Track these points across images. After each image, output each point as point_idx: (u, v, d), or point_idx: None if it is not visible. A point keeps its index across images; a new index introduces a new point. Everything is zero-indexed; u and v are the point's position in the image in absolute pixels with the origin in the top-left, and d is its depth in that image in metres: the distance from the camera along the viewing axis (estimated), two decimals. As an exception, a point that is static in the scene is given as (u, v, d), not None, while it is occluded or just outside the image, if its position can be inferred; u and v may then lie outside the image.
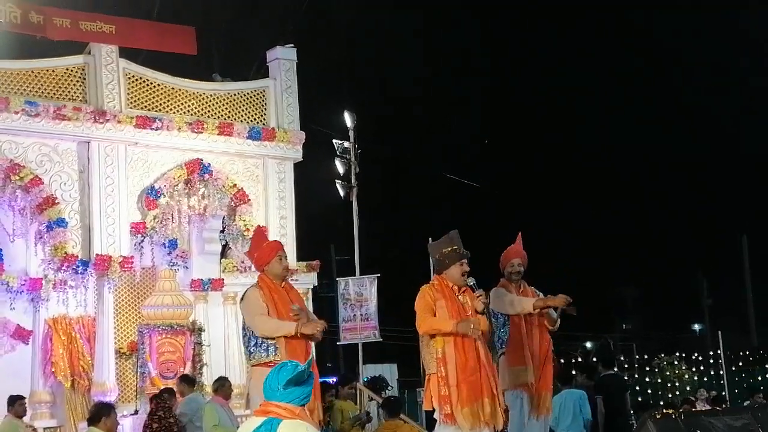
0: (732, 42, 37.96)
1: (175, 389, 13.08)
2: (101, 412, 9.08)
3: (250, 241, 9.70)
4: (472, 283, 8.51)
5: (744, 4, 35.18)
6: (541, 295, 9.70)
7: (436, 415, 8.35)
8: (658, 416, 7.68)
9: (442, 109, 38.29)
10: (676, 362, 26.47)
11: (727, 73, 39.46)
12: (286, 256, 8.60)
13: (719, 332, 24.05)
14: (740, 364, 26.99)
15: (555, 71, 41.14)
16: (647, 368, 26.59)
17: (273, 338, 8.05)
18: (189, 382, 12.94)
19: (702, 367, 26.59)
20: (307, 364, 5.21)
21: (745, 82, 38.00)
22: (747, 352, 27.79)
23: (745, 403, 18.04)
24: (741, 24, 36.43)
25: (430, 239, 19.67)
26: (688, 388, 24.69)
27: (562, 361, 23.19)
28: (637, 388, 25.33)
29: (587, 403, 12.98)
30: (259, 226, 11.46)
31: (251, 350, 8.18)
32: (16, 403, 12.52)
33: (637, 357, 28.98)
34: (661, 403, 21.77)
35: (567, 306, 9.39)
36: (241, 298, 8.47)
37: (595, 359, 24.60)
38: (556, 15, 40.35)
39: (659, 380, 25.92)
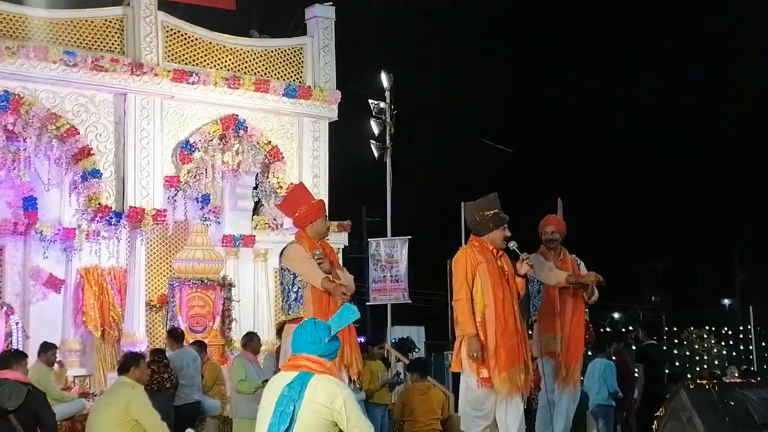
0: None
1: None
2: (130, 362, 9.10)
3: (289, 196, 9.66)
4: (515, 247, 8.50)
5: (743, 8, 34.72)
6: (582, 264, 9.67)
7: (465, 377, 8.34)
8: (691, 386, 7.60)
9: (484, 71, 38.05)
10: (705, 336, 26.35)
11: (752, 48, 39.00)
12: (327, 217, 8.63)
13: (750, 307, 23.89)
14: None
15: (588, 37, 40.77)
16: (676, 341, 26.49)
17: (307, 281, 8.09)
18: (176, 337, 12.84)
19: (731, 342, 26.44)
20: (345, 311, 5.24)
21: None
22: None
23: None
24: (741, 26, 36.03)
25: (462, 203, 19.69)
26: (716, 362, 24.60)
27: (602, 330, 23.10)
28: (665, 360, 25.21)
29: (612, 374, 12.94)
30: (300, 182, 11.41)
31: (290, 304, 8.22)
32: (48, 351, 12.61)
33: (666, 329, 28.83)
34: (689, 376, 21.68)
35: (597, 282, 9.36)
36: (281, 252, 8.48)
37: (631, 328, 24.58)
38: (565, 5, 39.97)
39: (687, 353, 25.84)
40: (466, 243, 18.75)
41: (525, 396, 8.45)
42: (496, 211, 8.48)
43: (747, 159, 40.41)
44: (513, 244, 8.53)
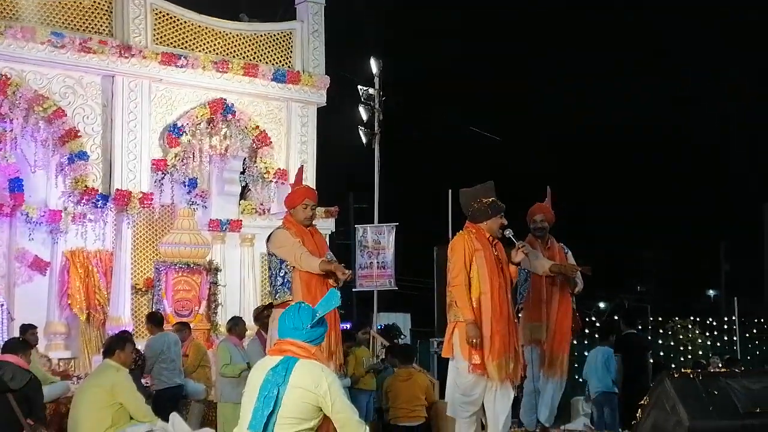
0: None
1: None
2: (115, 345, 9.10)
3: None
4: (511, 235, 8.54)
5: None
6: (569, 252, 9.69)
7: (455, 363, 8.35)
8: (675, 375, 7.64)
9: (474, 59, 38.04)
10: (689, 326, 26.44)
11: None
12: (314, 206, 8.60)
13: (735, 298, 23.98)
14: (754, 331, 26.93)
15: (579, 26, 40.79)
16: (661, 330, 26.57)
17: (296, 266, 8.09)
18: (155, 321, 12.81)
19: (715, 332, 26.53)
20: (331, 297, 5.22)
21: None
22: (762, 320, 27.71)
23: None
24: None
25: (450, 191, 19.69)
26: (700, 352, 24.66)
27: (587, 319, 23.17)
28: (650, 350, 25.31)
29: (614, 362, 12.96)
30: (301, 166, 11.41)
31: (277, 289, 8.22)
32: (27, 332, 12.58)
33: (651, 319, 28.90)
34: (673, 365, 21.76)
35: (573, 274, 9.39)
36: (268, 238, 8.49)
37: (616, 318, 24.57)
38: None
39: (672, 343, 25.91)
40: (453, 231, 18.73)
41: (515, 384, 8.48)
42: (494, 198, 8.50)
43: (733, 150, 40.54)
44: (509, 232, 8.57)
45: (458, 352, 8.28)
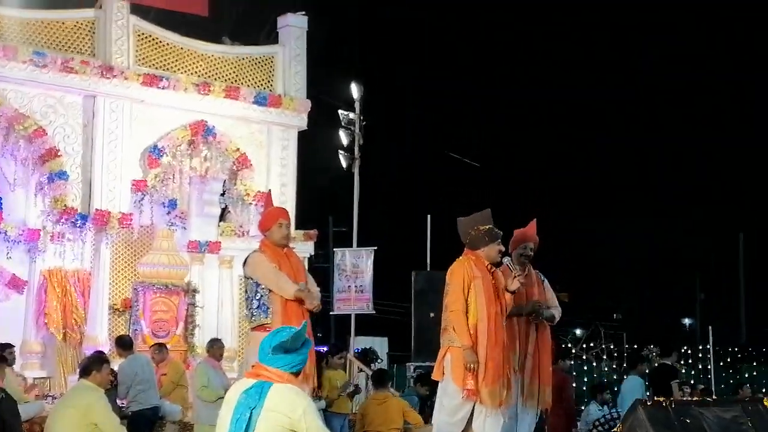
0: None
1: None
2: (92, 366, 9.05)
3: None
4: (508, 262, 8.66)
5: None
6: (546, 281, 9.76)
7: (444, 385, 8.42)
8: (648, 403, 7.72)
9: (450, 87, 38.21)
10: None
11: (726, 70, 39.49)
12: (288, 225, 8.64)
13: (710, 327, 24.09)
14: (728, 360, 27.10)
15: (557, 55, 41.08)
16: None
17: (271, 290, 8.15)
18: (124, 345, 12.77)
19: (690, 361, 26.66)
20: (302, 328, 5.24)
21: (746, 80, 38.05)
22: (736, 349, 27.89)
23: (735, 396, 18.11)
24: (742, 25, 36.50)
25: (428, 216, 19.77)
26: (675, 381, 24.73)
27: (563, 345, 23.30)
28: (625, 377, 25.36)
29: (644, 390, 13.02)
30: (269, 191, 11.51)
31: (253, 312, 8.26)
32: (5, 350, 12.52)
33: (627, 347, 29.02)
34: (647, 393, 21.80)
35: (533, 315, 9.43)
36: (244, 262, 8.54)
37: (592, 345, 24.75)
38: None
39: (647, 371, 25.95)
40: (431, 255, 18.81)
41: (506, 411, 8.55)
42: (491, 226, 8.62)
43: (712, 183, 40.82)
44: (507, 260, 8.71)
45: (449, 376, 8.36)
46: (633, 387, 12.97)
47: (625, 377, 13.54)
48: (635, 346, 27.98)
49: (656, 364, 13.55)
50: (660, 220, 41.50)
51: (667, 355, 13.55)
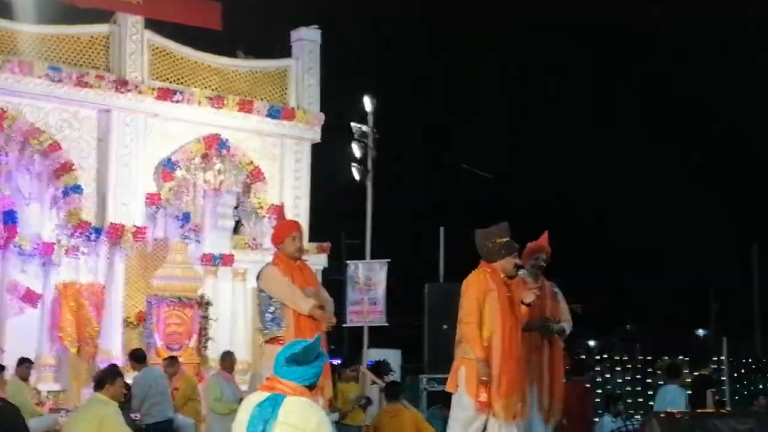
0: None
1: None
2: (105, 379, 9.09)
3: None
4: (524, 275, 8.71)
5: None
6: (560, 293, 9.78)
7: (458, 398, 8.44)
8: (662, 415, 7.72)
9: (467, 97, 38.26)
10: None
11: (737, 76, 39.38)
12: (301, 237, 8.67)
13: (724, 338, 23.98)
14: (742, 371, 26.99)
15: (572, 65, 41.07)
16: (649, 370, 26.58)
17: (286, 304, 8.18)
18: (137, 358, 12.80)
19: (705, 373, 26.56)
20: (315, 341, 5.26)
21: (757, 89, 37.99)
22: (750, 360, 27.77)
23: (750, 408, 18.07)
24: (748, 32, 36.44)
25: (441, 229, 19.76)
26: (688, 392, 24.66)
27: (576, 357, 23.26)
28: (638, 388, 25.35)
29: (683, 400, 13.02)
30: (282, 204, 11.56)
31: (267, 325, 8.28)
32: (23, 365, 12.61)
33: (640, 358, 28.95)
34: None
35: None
36: (258, 275, 8.57)
37: (606, 356, 24.74)
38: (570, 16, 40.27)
39: (660, 382, 25.87)
40: (444, 268, 18.79)
41: (520, 424, 8.56)
42: (508, 239, 8.64)
43: (726, 193, 40.69)
44: (522, 272, 8.73)
45: (463, 388, 8.37)
46: (674, 396, 12.96)
47: (660, 386, 13.53)
48: (665, 357, 27.94)
49: (697, 373, 13.60)
50: (674, 230, 41.40)
51: (703, 366, 13.63)
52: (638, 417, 16.19)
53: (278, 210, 9.57)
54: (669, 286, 41.59)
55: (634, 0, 37.99)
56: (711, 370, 13.64)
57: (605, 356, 28.39)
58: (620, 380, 25.46)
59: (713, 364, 25.48)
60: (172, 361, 13.51)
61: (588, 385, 14.40)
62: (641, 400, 23.74)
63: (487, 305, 8.40)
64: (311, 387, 5.25)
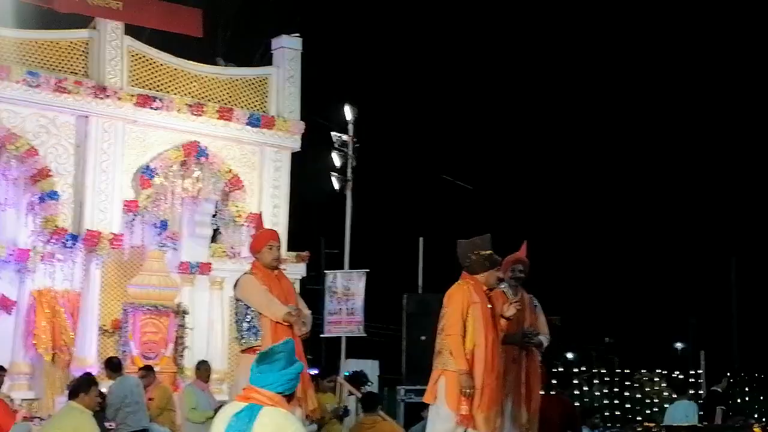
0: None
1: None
2: (80, 388, 9.03)
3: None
4: (505, 288, 8.66)
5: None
6: (539, 306, 9.75)
7: (437, 409, 8.38)
8: (639, 429, 7.70)
9: (447, 108, 38.30)
10: (656, 378, 26.51)
11: (718, 91, 39.64)
12: (278, 247, 8.62)
13: (701, 351, 24.08)
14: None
15: (552, 82, 41.22)
16: (627, 383, 26.64)
17: (261, 312, 8.11)
18: (113, 366, 12.69)
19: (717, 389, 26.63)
20: (285, 343, 5.22)
21: (739, 102, 38.25)
22: (728, 373, 27.80)
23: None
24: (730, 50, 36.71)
25: (421, 239, 19.74)
26: (666, 405, 24.70)
27: (554, 370, 23.28)
28: (616, 401, 25.37)
29: (695, 414, 13.00)
30: (260, 213, 11.49)
31: (243, 335, 8.22)
32: (-5, 373, 12.47)
33: (618, 371, 29.00)
34: (639, 418, 21.79)
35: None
36: (235, 284, 8.51)
37: (584, 369, 24.75)
38: (549, 20, 40.46)
39: (638, 395, 25.96)
40: (423, 279, 18.71)
41: None
42: (491, 252, 8.61)
43: (705, 206, 40.89)
44: (504, 286, 8.69)
45: (442, 400, 8.32)
46: (686, 410, 12.95)
47: (672, 402, 13.56)
48: (627, 370, 28.01)
49: (710, 389, 13.68)
50: (653, 243, 41.55)
51: (717, 381, 13.67)
52: (615, 430, 16.16)
53: (256, 219, 9.53)
54: (647, 300, 41.72)
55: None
56: (725, 385, 13.65)
57: (583, 369, 28.42)
58: (598, 393, 25.47)
59: (691, 378, 25.61)
60: (148, 370, 13.39)
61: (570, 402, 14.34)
62: (618, 413, 23.75)
63: (471, 318, 8.37)
64: (289, 396, 5.19)
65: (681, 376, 26.82)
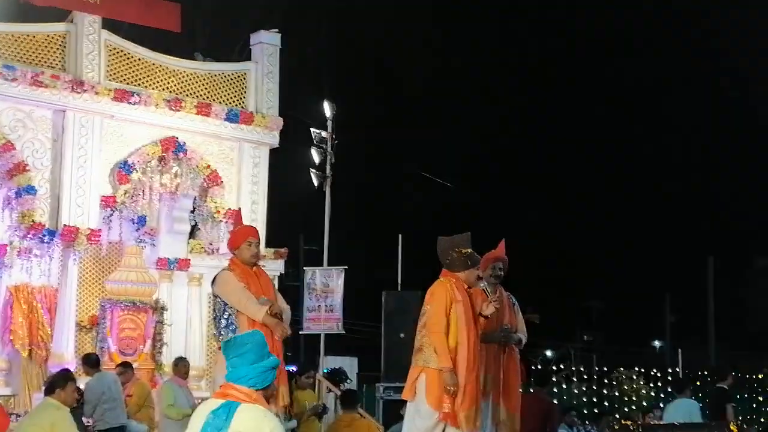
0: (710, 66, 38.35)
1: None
2: (57, 384, 8.97)
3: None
4: (484, 287, 8.66)
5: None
6: (516, 304, 9.77)
7: (416, 406, 8.35)
8: (616, 427, 7.70)
9: (425, 105, 38.28)
10: (634, 377, 26.52)
11: (698, 93, 39.82)
12: (257, 243, 8.59)
13: (679, 350, 24.15)
14: (698, 383, 27.11)
15: (540, 83, 41.29)
16: (605, 380, 26.66)
17: (239, 310, 8.07)
18: (91, 363, 12.65)
19: (660, 384, 26.69)
20: (251, 334, 5.22)
21: (719, 103, 38.44)
22: (705, 372, 27.92)
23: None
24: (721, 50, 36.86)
25: (400, 236, 19.70)
26: (644, 403, 24.74)
27: (533, 367, 23.39)
28: (594, 399, 25.40)
29: (698, 413, 12.93)
30: (239, 209, 11.45)
31: (221, 331, 8.19)
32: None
33: (597, 369, 29.05)
34: (617, 416, 21.82)
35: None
36: (213, 280, 8.47)
37: (562, 367, 24.78)
38: (543, 22, 40.51)
39: (616, 393, 25.97)
40: (402, 276, 18.70)
41: None
42: (472, 250, 8.63)
43: (680, 204, 41.08)
44: (483, 284, 8.70)
45: (422, 397, 8.30)
46: (689, 408, 12.88)
47: (671, 400, 13.48)
48: (605, 369, 28.09)
49: (715, 387, 13.64)
50: (631, 242, 41.70)
51: (722, 379, 13.65)
52: (592, 428, 16.19)
53: (236, 215, 9.48)
54: (626, 298, 41.90)
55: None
56: (730, 382, 13.64)
57: (562, 367, 28.47)
58: (576, 390, 25.50)
59: (669, 376, 25.69)
60: (126, 367, 13.32)
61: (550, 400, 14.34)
62: (596, 410, 23.78)
63: (453, 315, 8.37)
64: (266, 391, 5.17)
65: (659, 374, 26.89)
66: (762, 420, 23.23)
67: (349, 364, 23.84)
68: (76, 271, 15.08)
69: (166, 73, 16.35)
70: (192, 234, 16.94)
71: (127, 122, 15.74)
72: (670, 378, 25.49)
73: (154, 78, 16.19)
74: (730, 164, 38.03)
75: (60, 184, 15.04)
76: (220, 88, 16.97)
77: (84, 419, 11.54)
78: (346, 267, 18.57)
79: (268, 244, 17.00)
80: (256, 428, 5.03)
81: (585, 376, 26.88)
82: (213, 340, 12.42)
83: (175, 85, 16.39)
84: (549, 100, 40.67)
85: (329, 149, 20.19)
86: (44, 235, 14.60)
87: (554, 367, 28.08)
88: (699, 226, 40.94)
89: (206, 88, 16.77)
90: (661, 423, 12.74)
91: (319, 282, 18.37)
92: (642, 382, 26.38)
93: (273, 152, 17.50)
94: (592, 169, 41.66)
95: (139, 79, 16.02)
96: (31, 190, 14.66)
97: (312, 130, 20.35)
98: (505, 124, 40.14)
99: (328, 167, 20.24)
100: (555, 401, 23.59)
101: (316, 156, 20.31)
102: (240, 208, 11.74)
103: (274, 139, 17.31)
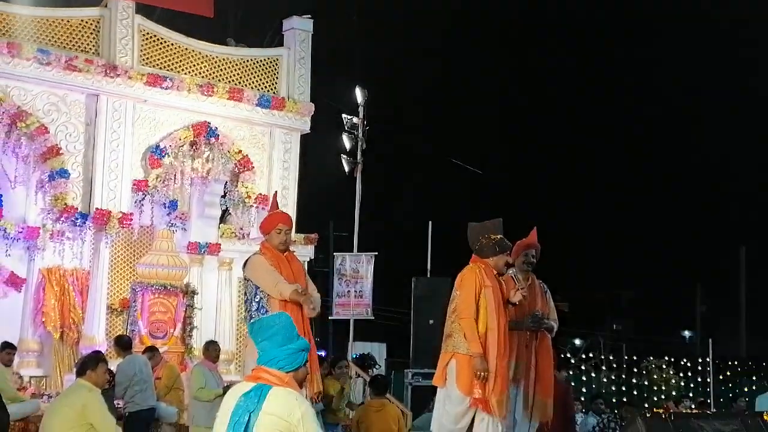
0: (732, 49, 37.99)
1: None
2: (88, 365, 8.98)
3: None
4: (513, 274, 8.65)
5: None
6: (549, 292, 9.73)
7: (447, 392, 8.36)
8: (647, 415, 7.67)
9: (456, 93, 38.19)
10: (664, 366, 26.44)
11: (727, 81, 39.47)
12: (287, 230, 8.59)
13: (710, 340, 24.01)
14: (728, 373, 26.97)
15: (574, 69, 41.08)
16: (635, 369, 26.58)
17: (269, 293, 8.09)
18: (123, 345, 12.69)
19: (689, 374, 26.59)
20: (278, 315, 5.23)
21: (747, 94, 38.05)
22: (735, 362, 27.77)
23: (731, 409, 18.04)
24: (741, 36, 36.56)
25: (430, 223, 19.70)
26: (673, 393, 24.66)
27: (561, 355, 23.28)
28: (623, 388, 25.34)
29: None
30: (275, 192, 11.46)
31: (252, 314, 8.21)
32: (5, 350, 12.47)
33: (626, 358, 28.95)
34: (646, 405, 21.76)
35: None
36: (244, 264, 8.49)
37: (591, 355, 24.71)
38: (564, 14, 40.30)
39: (646, 383, 25.89)
40: (432, 262, 18.68)
41: (504, 421, 8.52)
42: (502, 236, 8.61)
43: (715, 195, 40.79)
44: (512, 271, 8.69)
45: (453, 383, 8.31)
46: None
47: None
48: (635, 357, 27.98)
49: None
50: (662, 231, 41.48)
51: (726, 370, 13.51)
52: (621, 416, 16.15)
53: (272, 198, 9.44)
54: (656, 288, 41.70)
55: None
56: None
57: (591, 355, 28.41)
58: (605, 379, 25.45)
59: (699, 366, 25.58)
60: (153, 351, 13.39)
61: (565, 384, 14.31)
62: (625, 399, 23.73)
63: (483, 301, 8.36)
64: (297, 374, 5.19)
65: (689, 364, 26.77)
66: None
67: (378, 350, 23.93)
68: (108, 254, 15.17)
69: (198, 59, 16.40)
70: (222, 219, 17.02)
71: (159, 107, 15.81)
72: (699, 368, 25.40)
73: (187, 63, 16.24)
74: (763, 154, 37.66)
75: (93, 168, 15.13)
76: (252, 74, 17.00)
77: (114, 401, 11.62)
78: (376, 253, 18.60)
79: (298, 230, 17.03)
80: (288, 411, 5.04)
81: (614, 365, 26.82)
82: (243, 324, 12.49)
83: (207, 71, 16.44)
84: (583, 87, 40.46)
85: (360, 135, 20.20)
86: (77, 219, 14.71)
87: (583, 355, 28.01)
88: (731, 216, 40.65)
89: (238, 74, 16.81)
90: (693, 412, 12.68)
91: (348, 268, 18.42)
92: (671, 372, 26.30)
93: (304, 138, 17.54)
94: (624, 157, 41.46)
95: (172, 64, 16.08)
96: (64, 173, 14.76)
97: (343, 116, 20.36)
98: (538, 111, 40.01)
99: (359, 153, 20.26)
100: (583, 389, 23.65)
101: (347, 142, 20.33)
102: (276, 192, 11.75)
103: (306, 125, 17.33)
